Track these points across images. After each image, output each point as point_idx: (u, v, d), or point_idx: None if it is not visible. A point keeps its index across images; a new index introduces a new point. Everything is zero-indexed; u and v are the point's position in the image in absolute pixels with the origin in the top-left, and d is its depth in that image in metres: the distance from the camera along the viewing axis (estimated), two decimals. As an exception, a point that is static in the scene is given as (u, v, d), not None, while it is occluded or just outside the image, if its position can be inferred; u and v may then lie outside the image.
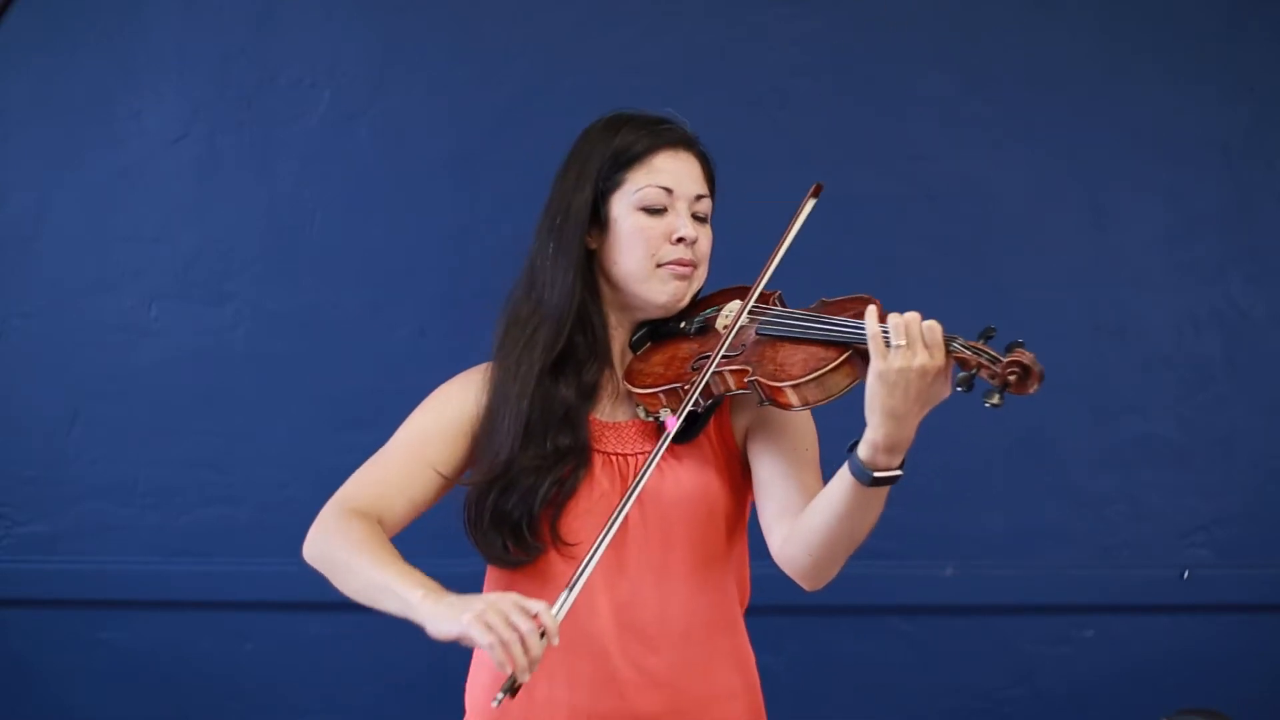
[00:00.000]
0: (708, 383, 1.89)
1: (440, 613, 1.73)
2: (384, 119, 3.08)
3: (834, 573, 1.89)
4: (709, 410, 1.96)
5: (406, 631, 3.17)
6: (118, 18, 3.05)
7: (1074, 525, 3.14)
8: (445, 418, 2.01)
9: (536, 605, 1.70)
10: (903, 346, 1.70)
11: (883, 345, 1.71)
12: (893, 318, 1.72)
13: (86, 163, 3.06)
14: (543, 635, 1.69)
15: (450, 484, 2.00)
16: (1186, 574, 3.13)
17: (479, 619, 1.68)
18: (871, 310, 1.75)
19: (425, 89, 3.08)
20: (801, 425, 1.98)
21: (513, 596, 1.71)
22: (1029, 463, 3.12)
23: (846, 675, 3.11)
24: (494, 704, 1.70)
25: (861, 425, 1.75)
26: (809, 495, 1.90)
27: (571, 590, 1.75)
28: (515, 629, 1.67)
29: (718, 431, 2.00)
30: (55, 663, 3.11)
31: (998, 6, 3.12)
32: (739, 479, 2.00)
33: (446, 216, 3.09)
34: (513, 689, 1.69)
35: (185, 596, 3.09)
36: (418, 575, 1.80)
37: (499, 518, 1.92)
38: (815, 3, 3.11)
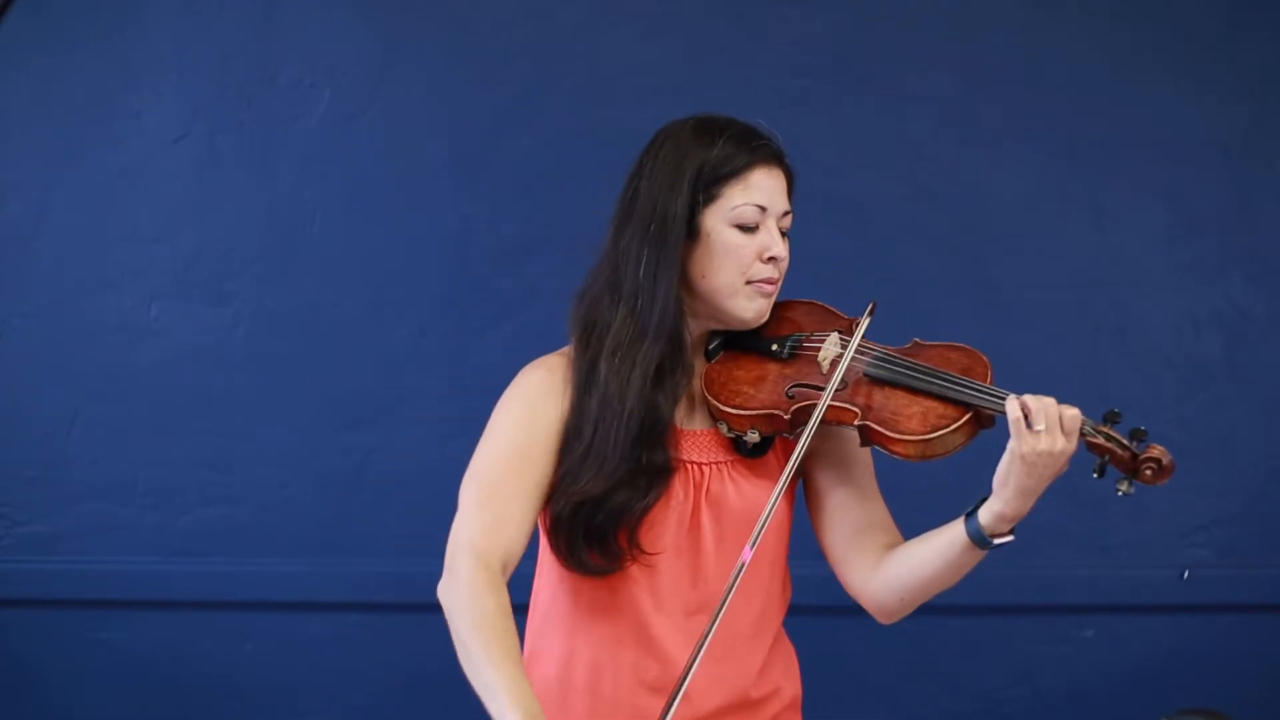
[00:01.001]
0: (804, 410, 1.89)
1: None
2: (384, 119, 3.08)
3: (911, 611, 2.00)
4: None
5: (406, 632, 3.19)
6: (118, 18, 3.05)
7: (1074, 525, 3.14)
8: (539, 426, 1.93)
9: None
10: (1043, 431, 1.78)
11: (1025, 428, 1.78)
12: (1031, 401, 1.79)
13: (86, 163, 3.06)
14: None
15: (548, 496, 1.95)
16: (1186, 574, 3.13)
17: None
18: (1012, 400, 1.80)
19: (425, 89, 3.08)
20: (866, 455, 2.02)
21: None
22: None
23: (847, 675, 3.11)
24: None
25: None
26: (882, 528, 1.99)
27: (779, 493, 1.83)
28: None
29: (782, 446, 2.01)
30: (55, 663, 3.11)
31: (998, 6, 3.12)
32: (793, 493, 2.04)
33: (446, 216, 3.09)
34: None
35: (185, 596, 3.09)
36: (524, 692, 1.73)
37: (589, 531, 1.90)
38: (815, 3, 3.11)
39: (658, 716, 1.81)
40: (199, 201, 3.07)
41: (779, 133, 3.03)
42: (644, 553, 1.91)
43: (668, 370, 1.93)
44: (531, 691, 1.73)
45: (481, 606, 1.79)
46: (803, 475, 2.05)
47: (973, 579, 3.08)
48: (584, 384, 1.93)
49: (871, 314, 1.94)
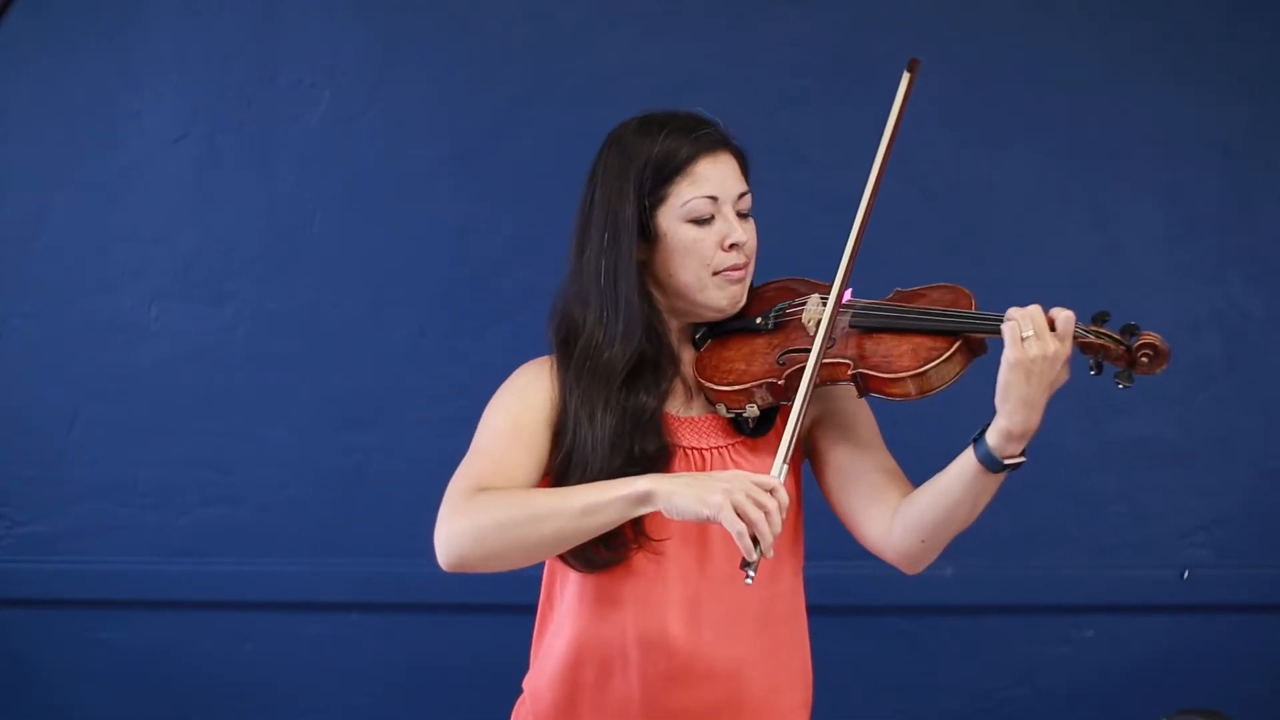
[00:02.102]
0: (798, 373, 1.89)
1: (681, 492, 1.74)
2: (384, 119, 3.08)
3: (938, 554, 1.95)
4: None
5: (406, 632, 3.19)
6: (118, 18, 3.05)
7: (1074, 525, 3.14)
8: (532, 410, 1.95)
9: (770, 480, 1.74)
10: (1032, 336, 1.76)
11: (1018, 336, 1.76)
12: (1016, 310, 1.79)
13: (86, 163, 3.07)
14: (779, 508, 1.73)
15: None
16: (1186, 574, 3.13)
17: (729, 503, 1.71)
18: (1011, 311, 1.79)
19: (425, 89, 3.08)
20: (866, 409, 2.01)
21: (746, 475, 1.75)
22: (1029, 463, 3.10)
23: (846, 675, 3.11)
24: (747, 581, 1.73)
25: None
26: (893, 477, 1.96)
27: (787, 456, 1.80)
28: (763, 508, 1.71)
29: (783, 422, 1.99)
30: (55, 663, 3.11)
31: (998, 6, 3.12)
32: (799, 467, 2.04)
33: (446, 216, 3.09)
34: (756, 566, 1.73)
35: (185, 596, 3.09)
36: (615, 479, 1.80)
37: None
38: (815, 3, 3.11)
39: (667, 706, 1.87)
40: (199, 201, 3.07)
41: (779, 133, 3.03)
42: (650, 539, 1.91)
43: (646, 366, 1.95)
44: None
45: (500, 495, 1.83)
46: (807, 450, 2.04)
47: (973, 579, 3.09)
48: (565, 390, 1.95)
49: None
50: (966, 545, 3.08)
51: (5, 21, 3.04)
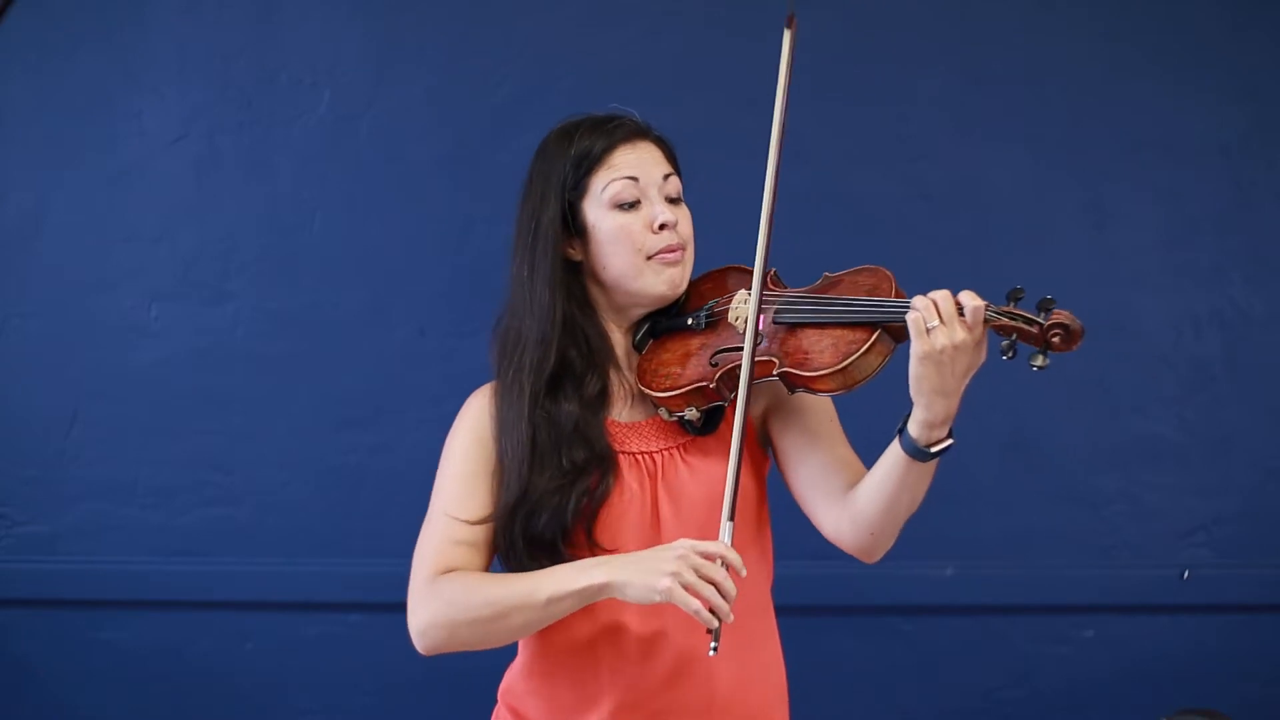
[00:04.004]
0: (729, 375, 1.88)
1: (633, 582, 1.77)
2: (384, 119, 3.08)
3: (893, 542, 1.93)
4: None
5: (406, 632, 3.18)
6: (118, 18, 3.05)
7: (1074, 525, 3.14)
8: (474, 457, 1.97)
9: (714, 548, 1.76)
10: (938, 326, 1.73)
11: (923, 328, 1.74)
12: (921, 300, 1.76)
13: (86, 163, 3.06)
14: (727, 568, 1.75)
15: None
16: (1186, 574, 3.13)
17: (677, 586, 1.73)
18: (915, 300, 1.76)
19: (425, 89, 3.08)
20: (820, 399, 2.00)
21: (690, 546, 1.76)
22: (1029, 463, 3.12)
23: (846, 675, 3.11)
24: (711, 653, 1.76)
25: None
26: (848, 467, 1.96)
27: (730, 519, 1.81)
28: (712, 581, 1.73)
29: (733, 416, 2.00)
30: (55, 663, 3.11)
31: (998, 6, 3.12)
32: (759, 461, 2.03)
33: (446, 216, 3.09)
34: (718, 634, 1.76)
35: (185, 596, 3.09)
36: (577, 564, 1.83)
37: (533, 540, 1.91)
38: (815, 3, 3.10)
39: (638, 704, 1.89)
40: (199, 201, 3.07)
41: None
42: (604, 549, 1.91)
43: (569, 372, 1.95)
44: (574, 563, 1.83)
45: (465, 584, 1.86)
46: (765, 440, 2.04)
47: (973, 579, 3.09)
48: (497, 408, 1.97)
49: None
50: (966, 545, 3.11)
51: (5, 21, 3.04)
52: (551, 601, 1.81)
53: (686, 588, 1.73)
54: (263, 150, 3.07)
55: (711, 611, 1.73)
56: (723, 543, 1.78)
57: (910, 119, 3.12)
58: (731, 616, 1.74)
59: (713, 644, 1.75)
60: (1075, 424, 3.10)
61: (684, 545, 1.76)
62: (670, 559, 1.75)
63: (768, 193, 1.90)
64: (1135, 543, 3.15)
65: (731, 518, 1.81)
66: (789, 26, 1.96)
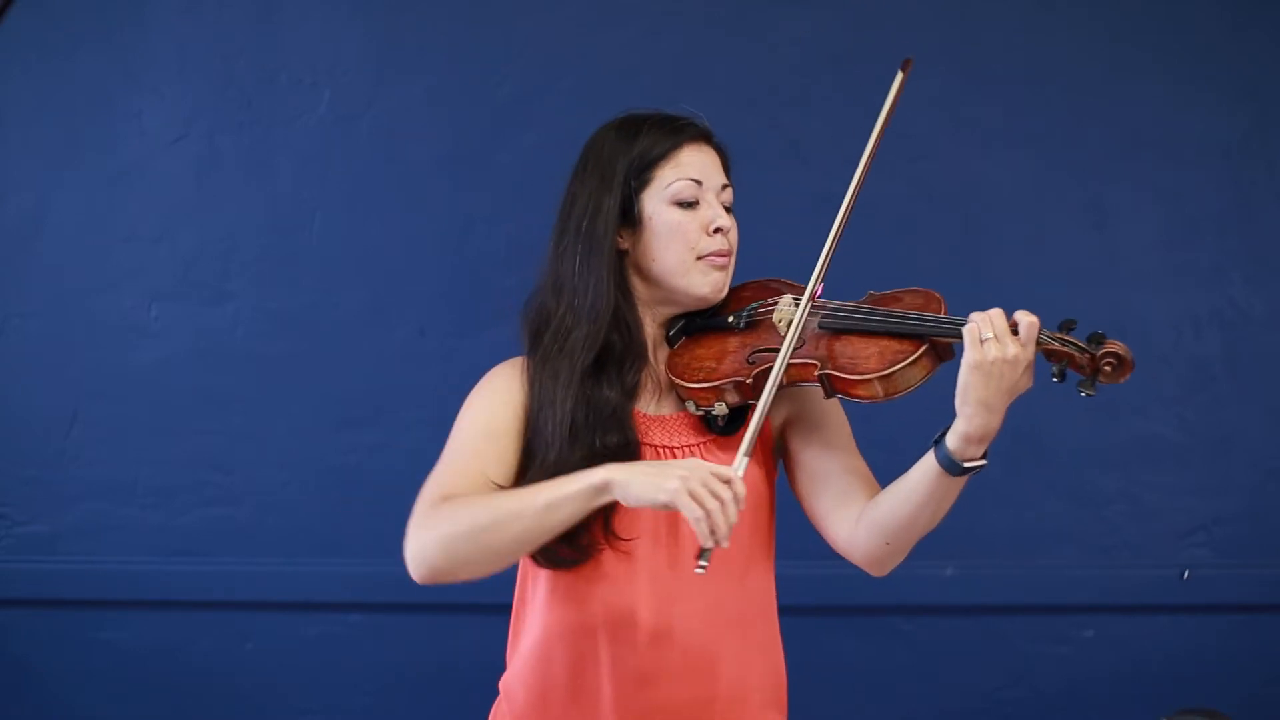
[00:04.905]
0: (765, 373, 1.89)
1: (638, 480, 1.74)
2: (384, 119, 3.08)
3: (904, 556, 1.94)
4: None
5: (406, 632, 3.18)
6: (118, 18, 3.05)
7: (1074, 525, 3.14)
8: (498, 418, 1.96)
9: (727, 471, 1.74)
10: (991, 339, 1.76)
11: (977, 338, 1.77)
12: (978, 314, 1.79)
13: (86, 163, 3.07)
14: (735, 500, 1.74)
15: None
16: (1186, 574, 3.13)
17: (685, 490, 1.71)
18: (973, 315, 1.80)
19: (425, 88, 3.08)
20: (838, 411, 2.02)
21: (704, 465, 1.74)
22: (1029, 463, 3.12)
23: (846, 675, 3.11)
24: (699, 570, 1.75)
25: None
26: (864, 480, 1.97)
27: (748, 450, 1.80)
28: (718, 498, 1.72)
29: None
30: (55, 663, 3.11)
31: (998, 6, 3.12)
32: (772, 467, 2.04)
33: (446, 216, 3.09)
34: (708, 555, 1.75)
35: (185, 596, 3.09)
36: (577, 472, 1.80)
37: None
38: (815, 3, 3.11)
39: (639, 703, 1.89)
40: (199, 201, 3.07)
41: (779, 132, 3.03)
42: (619, 539, 1.91)
43: (612, 358, 1.96)
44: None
45: (463, 502, 1.83)
46: (779, 450, 2.05)
47: (973, 579, 3.09)
48: (532, 382, 1.96)
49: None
50: (966, 545, 3.11)
51: (5, 21, 3.04)
52: (550, 507, 1.78)
53: (692, 494, 1.71)
54: (263, 150, 3.07)
55: (710, 532, 1.72)
56: (735, 471, 1.77)
57: (910, 119, 3.12)
58: (727, 542, 1.73)
59: (701, 563, 1.74)
60: (1075, 424, 3.10)
61: (696, 461, 1.76)
62: (682, 466, 1.74)
63: (841, 213, 1.97)
64: (1135, 543, 3.15)
65: (749, 454, 1.81)
66: (903, 70, 2.01)
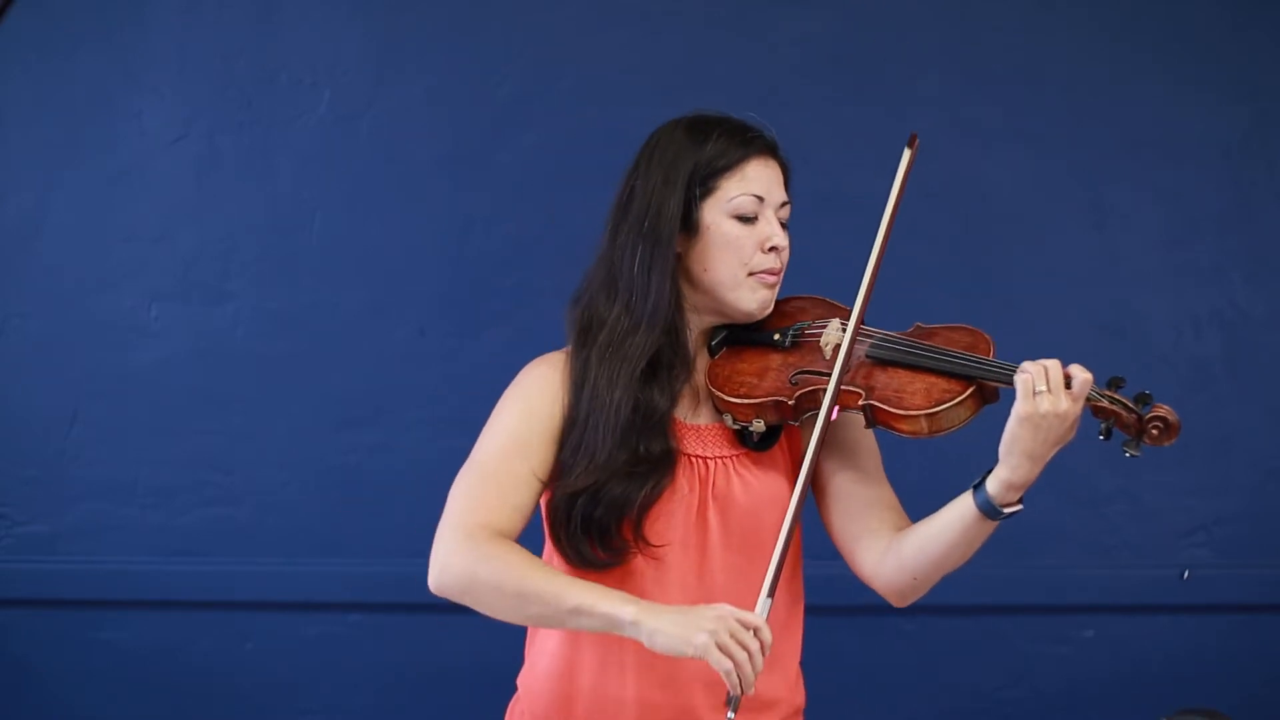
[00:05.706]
0: (809, 396, 1.89)
1: (666, 630, 1.76)
2: (384, 119, 3.08)
3: (927, 591, 1.96)
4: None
5: (406, 632, 3.18)
6: (118, 18, 3.05)
7: (1074, 525, 3.14)
8: (536, 419, 1.95)
9: (754, 619, 1.76)
10: (1045, 392, 1.77)
11: (1030, 390, 1.77)
12: (1033, 365, 1.79)
13: (86, 163, 3.06)
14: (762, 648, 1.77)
15: (547, 488, 1.97)
16: (1186, 574, 3.13)
17: (713, 643, 1.74)
18: (1026, 365, 1.79)
19: (425, 88, 3.08)
20: (871, 440, 2.02)
21: (730, 614, 1.76)
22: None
23: (847, 675, 3.11)
24: (729, 719, 1.78)
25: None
26: (894, 510, 1.98)
27: (770, 594, 1.81)
28: (745, 649, 1.74)
29: (787, 439, 2.02)
30: (55, 663, 3.11)
31: (998, 6, 3.12)
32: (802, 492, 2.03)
33: (446, 216, 3.09)
34: (738, 704, 1.78)
35: (185, 596, 3.09)
36: (613, 591, 1.82)
37: (588, 524, 1.91)
38: (815, 3, 3.11)
39: (661, 707, 1.90)
40: (199, 201, 3.07)
41: (780, 132, 3.03)
42: (650, 545, 1.91)
43: (663, 364, 1.94)
44: (614, 590, 1.82)
45: (503, 555, 1.84)
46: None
47: (973, 579, 3.09)
48: (579, 380, 1.95)
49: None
50: (966, 545, 3.10)
51: (5, 21, 3.04)
52: (576, 612, 1.80)
53: (721, 647, 1.74)
54: (263, 150, 3.07)
55: (739, 682, 1.75)
56: (760, 616, 1.78)
57: (910, 119, 3.11)
58: (753, 689, 1.75)
59: (730, 714, 1.77)
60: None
61: (725, 609, 1.77)
62: (711, 617, 1.76)
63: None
64: (1135, 543, 3.15)
65: (771, 594, 1.81)
66: (910, 146, 2.03)
